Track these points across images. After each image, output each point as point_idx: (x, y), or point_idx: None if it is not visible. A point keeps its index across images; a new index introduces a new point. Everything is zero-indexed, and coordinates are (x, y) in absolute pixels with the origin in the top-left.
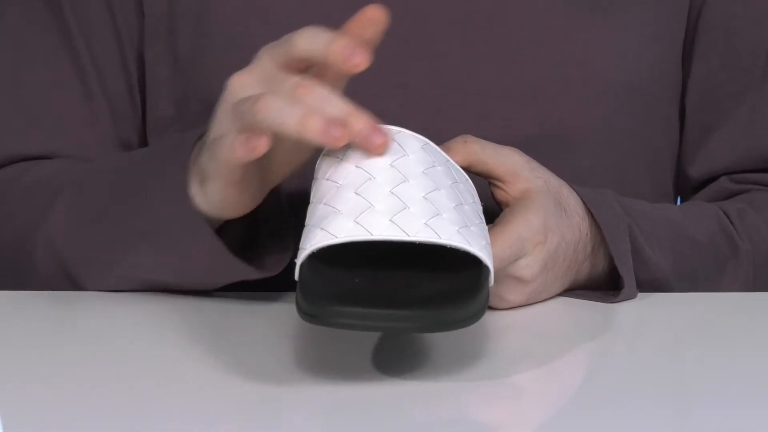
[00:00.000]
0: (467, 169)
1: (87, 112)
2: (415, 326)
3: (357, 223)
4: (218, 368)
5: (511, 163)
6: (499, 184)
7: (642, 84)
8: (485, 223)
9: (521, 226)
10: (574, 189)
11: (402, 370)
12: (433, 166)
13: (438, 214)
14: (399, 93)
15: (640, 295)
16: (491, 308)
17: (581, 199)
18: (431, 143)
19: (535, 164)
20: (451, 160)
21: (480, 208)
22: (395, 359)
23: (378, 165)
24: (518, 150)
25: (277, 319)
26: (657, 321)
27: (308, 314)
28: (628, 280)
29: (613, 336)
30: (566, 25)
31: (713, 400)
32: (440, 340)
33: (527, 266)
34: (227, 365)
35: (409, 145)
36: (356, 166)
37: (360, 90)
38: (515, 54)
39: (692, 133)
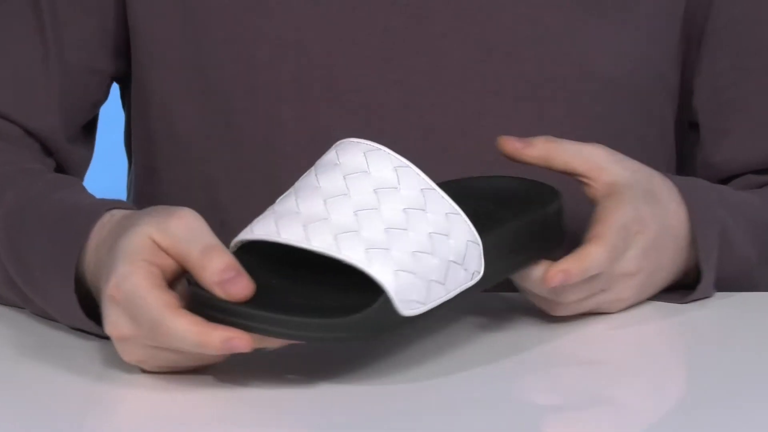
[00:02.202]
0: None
1: (41, 76)
2: (277, 331)
3: (275, 224)
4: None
5: (593, 158)
6: (586, 180)
7: (638, 83)
8: (440, 258)
9: (616, 219)
10: (667, 176)
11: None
12: (393, 187)
13: (355, 231)
14: (396, 90)
15: (717, 295)
16: (602, 314)
17: (675, 186)
18: (412, 168)
19: (620, 156)
20: (438, 190)
21: (448, 245)
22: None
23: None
24: (602, 145)
25: None
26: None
27: (196, 293)
28: (707, 275)
29: (702, 338)
30: (563, 23)
31: None
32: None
33: (631, 257)
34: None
35: (378, 162)
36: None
37: (357, 87)
38: (512, 52)
39: (708, 135)
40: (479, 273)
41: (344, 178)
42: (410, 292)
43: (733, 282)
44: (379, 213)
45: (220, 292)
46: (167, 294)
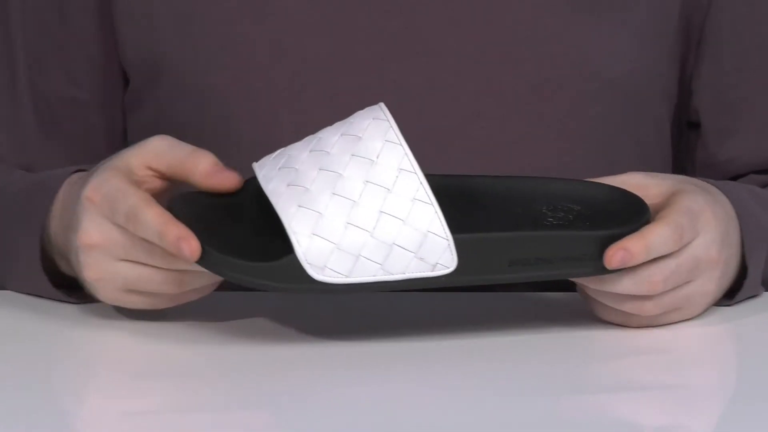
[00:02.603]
0: None
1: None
2: (201, 263)
3: (275, 157)
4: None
5: (632, 181)
6: None
7: (635, 84)
8: (379, 239)
9: (681, 203)
10: (702, 179)
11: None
12: (370, 159)
13: (305, 188)
14: (391, 91)
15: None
16: (669, 324)
17: (712, 184)
18: (401, 147)
19: (654, 173)
20: (419, 176)
21: (399, 229)
22: None
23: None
24: (634, 171)
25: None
26: None
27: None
28: (754, 270)
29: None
30: (558, 24)
31: None
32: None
33: (711, 243)
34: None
35: (374, 130)
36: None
37: (354, 89)
38: (507, 53)
39: (710, 136)
40: (446, 267)
41: (340, 135)
42: (325, 259)
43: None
44: (339, 177)
45: (211, 182)
46: (143, 191)
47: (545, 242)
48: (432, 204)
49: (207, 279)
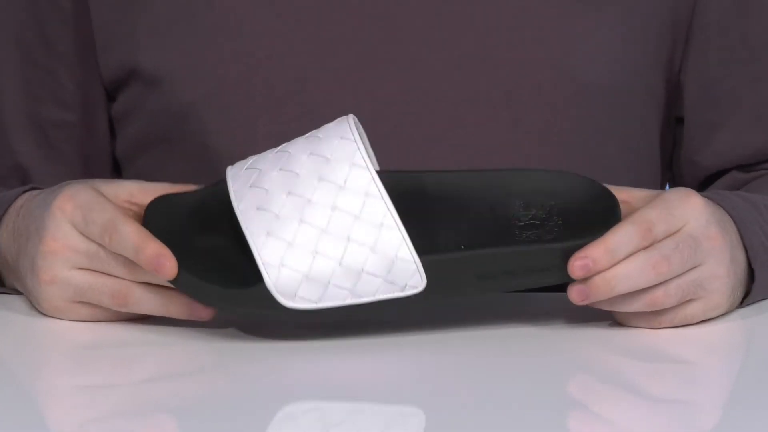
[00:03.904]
0: None
1: None
2: (179, 286)
3: (249, 164)
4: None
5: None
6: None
7: (617, 85)
8: (346, 267)
9: (656, 200)
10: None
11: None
12: (339, 184)
13: (275, 214)
14: (369, 101)
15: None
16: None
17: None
18: (369, 171)
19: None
20: (386, 201)
21: (365, 256)
22: None
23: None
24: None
25: None
26: None
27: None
28: (761, 274)
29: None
30: (540, 27)
31: None
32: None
33: (706, 223)
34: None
35: (342, 151)
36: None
37: (330, 100)
38: (485, 59)
39: (696, 130)
40: (415, 287)
41: (309, 155)
42: (295, 288)
43: None
44: (308, 203)
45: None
46: (119, 207)
47: (510, 258)
48: (399, 229)
49: (152, 308)
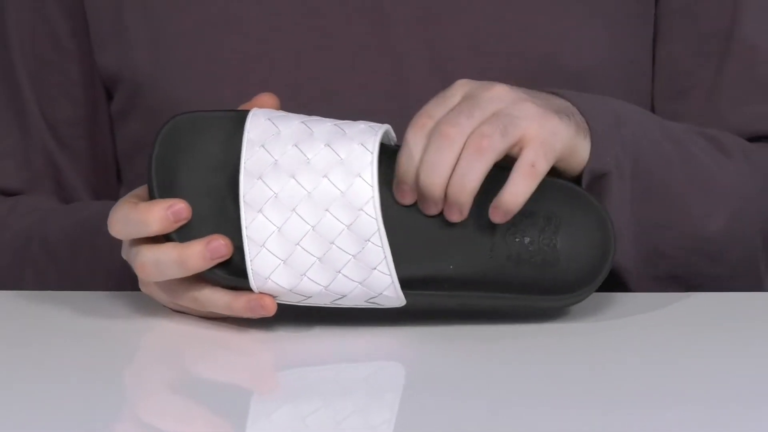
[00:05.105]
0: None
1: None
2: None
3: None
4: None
5: None
6: None
7: (607, 72)
8: (328, 267)
9: None
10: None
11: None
12: (340, 190)
13: (274, 194)
14: (362, 95)
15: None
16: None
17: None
18: (370, 187)
19: None
20: (378, 222)
21: (346, 262)
22: None
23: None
24: None
25: None
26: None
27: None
28: (597, 121)
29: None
30: (529, 17)
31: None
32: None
33: (484, 84)
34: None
35: (353, 154)
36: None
37: (323, 95)
38: (475, 50)
39: (663, 117)
40: (399, 300)
41: (325, 145)
42: (269, 271)
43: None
44: (307, 197)
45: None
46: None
47: (497, 300)
48: (382, 247)
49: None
